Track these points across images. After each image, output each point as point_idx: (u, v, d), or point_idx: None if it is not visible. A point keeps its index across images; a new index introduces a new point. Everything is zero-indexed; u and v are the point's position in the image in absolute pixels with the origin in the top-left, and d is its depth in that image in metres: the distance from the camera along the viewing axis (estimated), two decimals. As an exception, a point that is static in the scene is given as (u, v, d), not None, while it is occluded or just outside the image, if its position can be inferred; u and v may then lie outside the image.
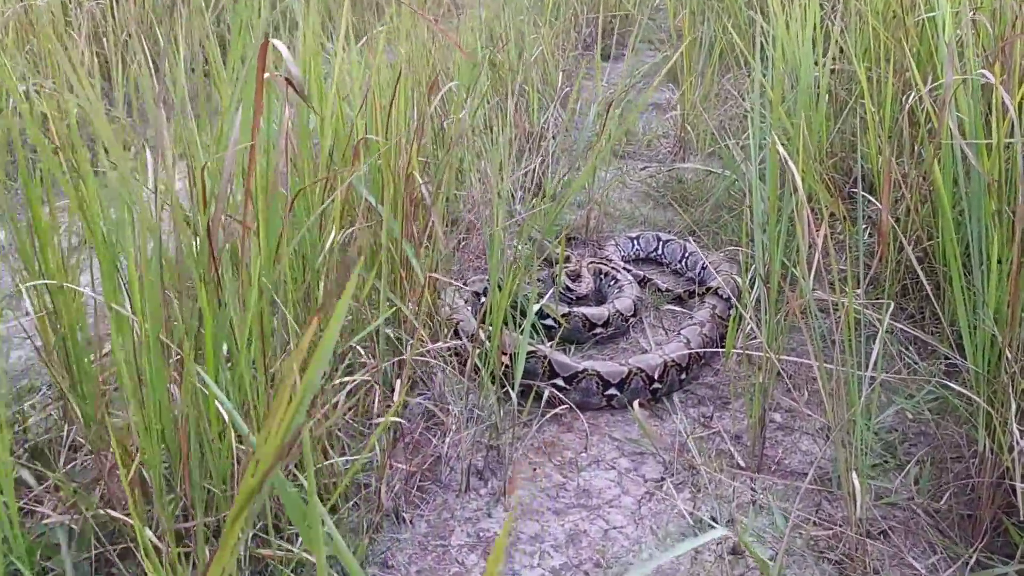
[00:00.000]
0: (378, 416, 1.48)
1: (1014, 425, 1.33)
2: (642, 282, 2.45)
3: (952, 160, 1.61)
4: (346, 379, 1.38)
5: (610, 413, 1.95)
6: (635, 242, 2.71)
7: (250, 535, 1.29)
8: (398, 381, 1.50)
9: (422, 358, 1.59)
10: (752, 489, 1.69)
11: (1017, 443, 1.31)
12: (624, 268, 2.50)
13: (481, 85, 3.12)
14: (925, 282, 1.57)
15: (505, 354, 1.78)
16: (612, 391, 1.91)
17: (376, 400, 1.56)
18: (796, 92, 2.35)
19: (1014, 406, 1.35)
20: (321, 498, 1.45)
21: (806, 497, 1.67)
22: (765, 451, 1.82)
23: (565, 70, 3.46)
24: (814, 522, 1.60)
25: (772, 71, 2.42)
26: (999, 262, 1.43)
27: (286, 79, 1.28)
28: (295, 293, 1.38)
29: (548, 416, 1.87)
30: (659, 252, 2.68)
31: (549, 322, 2.16)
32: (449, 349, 1.64)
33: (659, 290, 2.42)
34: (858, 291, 1.66)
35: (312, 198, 1.48)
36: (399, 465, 1.53)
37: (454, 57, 2.73)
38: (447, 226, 2.54)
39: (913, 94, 1.78)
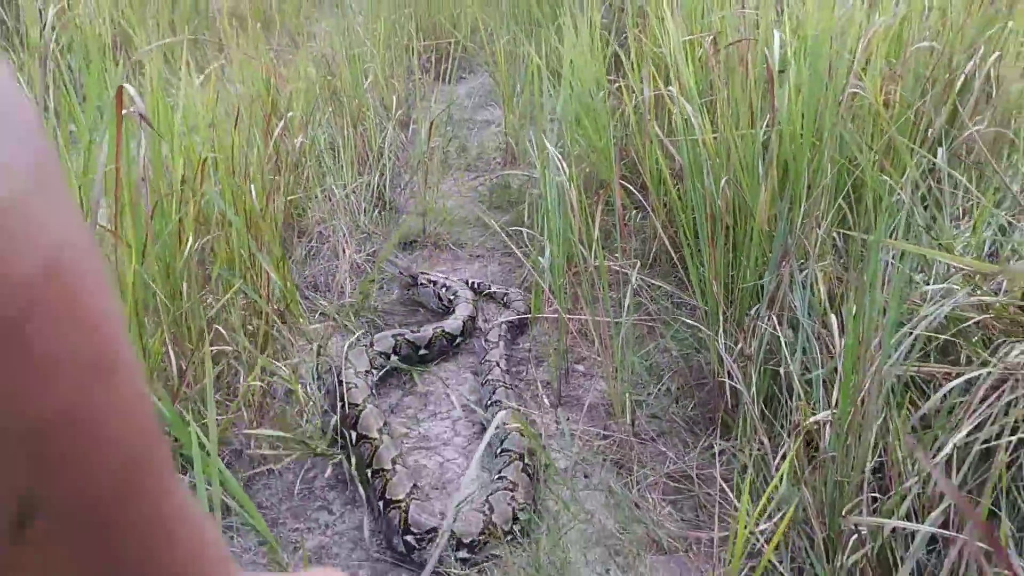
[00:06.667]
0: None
1: (721, 339, 1.84)
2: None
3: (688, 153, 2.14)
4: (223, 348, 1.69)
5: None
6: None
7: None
8: (262, 355, 1.83)
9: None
10: (556, 421, 2.14)
11: (722, 351, 1.82)
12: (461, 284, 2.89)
13: (319, 110, 3.46)
14: (671, 250, 2.09)
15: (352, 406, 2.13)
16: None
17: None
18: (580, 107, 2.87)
19: (721, 327, 1.87)
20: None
21: (597, 421, 2.13)
22: (569, 393, 2.28)
23: (398, 95, 3.85)
24: (602, 436, 2.07)
25: (562, 88, 2.92)
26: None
27: (140, 115, 1.60)
28: (163, 289, 1.68)
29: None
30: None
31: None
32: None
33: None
34: (615, 256, 2.15)
35: (169, 211, 1.78)
36: (264, 431, 1.85)
37: (292, 87, 3.05)
38: (299, 237, 2.87)
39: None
